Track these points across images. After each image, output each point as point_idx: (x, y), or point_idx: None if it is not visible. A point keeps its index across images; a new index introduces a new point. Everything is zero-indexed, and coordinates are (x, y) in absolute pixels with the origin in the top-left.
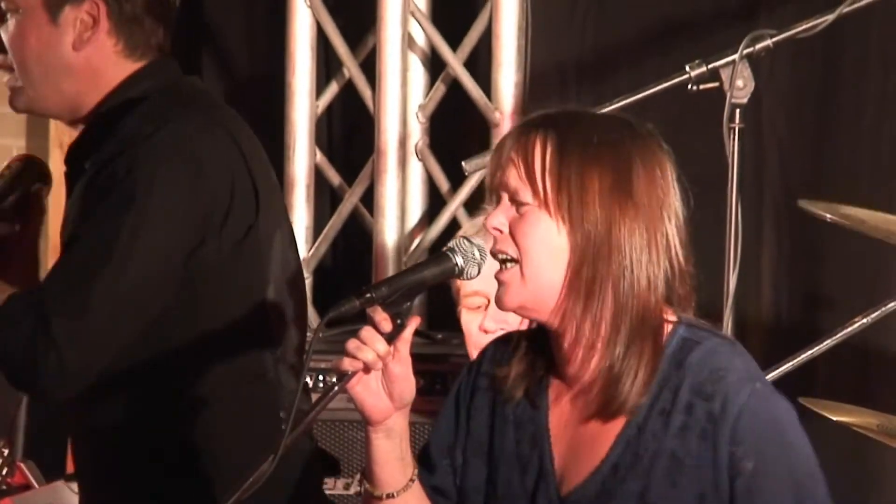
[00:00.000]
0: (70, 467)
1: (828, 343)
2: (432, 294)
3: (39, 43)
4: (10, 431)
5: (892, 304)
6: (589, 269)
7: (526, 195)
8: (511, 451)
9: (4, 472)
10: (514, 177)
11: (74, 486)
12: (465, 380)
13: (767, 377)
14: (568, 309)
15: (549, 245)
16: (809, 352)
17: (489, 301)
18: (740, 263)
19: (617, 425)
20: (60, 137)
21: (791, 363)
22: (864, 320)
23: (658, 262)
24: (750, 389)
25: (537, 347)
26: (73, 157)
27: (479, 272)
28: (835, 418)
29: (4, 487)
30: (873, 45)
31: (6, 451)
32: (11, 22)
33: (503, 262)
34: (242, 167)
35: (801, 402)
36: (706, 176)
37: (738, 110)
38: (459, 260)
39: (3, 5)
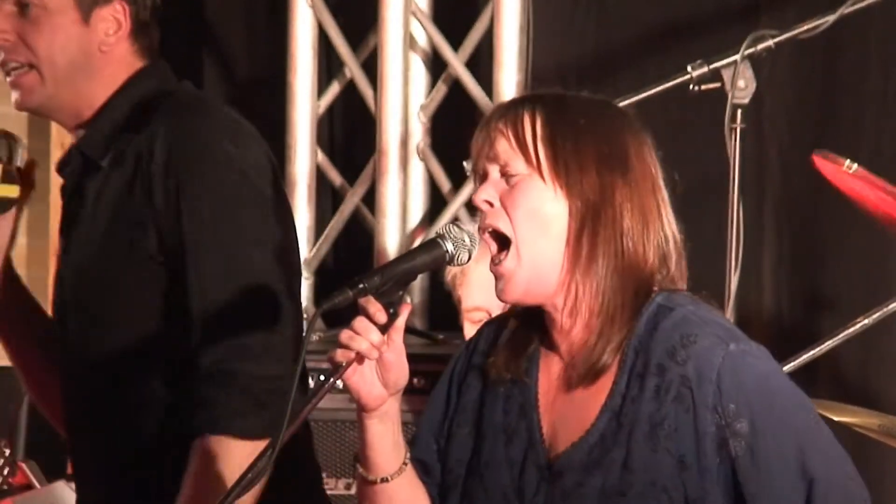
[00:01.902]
0: (71, 467)
1: (829, 343)
2: (433, 295)
3: (70, 42)
4: (11, 432)
5: (893, 305)
6: (590, 234)
7: (518, 165)
8: (498, 422)
9: (6, 471)
10: (505, 148)
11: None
12: (461, 357)
13: None
14: (570, 280)
15: (544, 213)
16: (811, 352)
17: (490, 316)
18: (741, 264)
19: (602, 393)
20: (62, 138)
21: (792, 364)
22: (866, 321)
23: (650, 233)
24: (723, 352)
25: (529, 324)
26: (83, 155)
27: (469, 258)
28: (836, 419)
29: (6, 487)
30: (873, 46)
31: (7, 451)
32: (35, 16)
33: (494, 235)
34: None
35: None
36: (707, 176)
37: (739, 111)
38: (450, 246)
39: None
